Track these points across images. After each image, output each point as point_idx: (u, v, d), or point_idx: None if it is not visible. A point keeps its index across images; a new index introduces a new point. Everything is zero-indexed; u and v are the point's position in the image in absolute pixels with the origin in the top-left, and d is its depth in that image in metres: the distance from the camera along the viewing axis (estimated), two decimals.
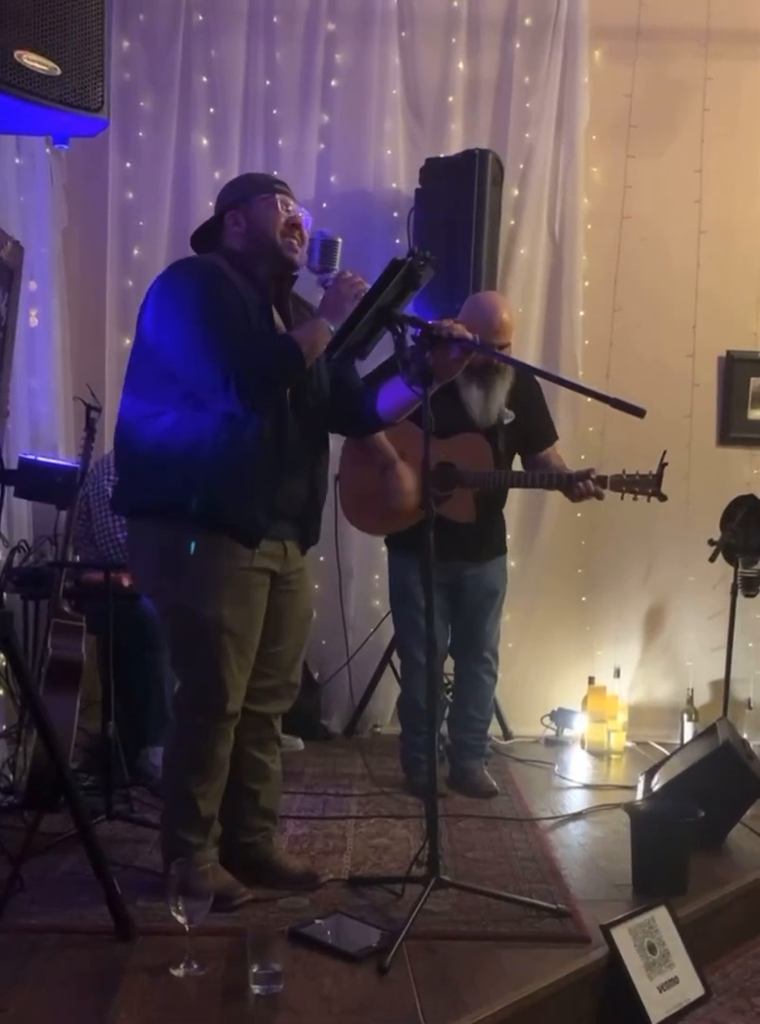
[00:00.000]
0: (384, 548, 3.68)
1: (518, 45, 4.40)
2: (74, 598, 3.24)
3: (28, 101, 2.59)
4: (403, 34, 4.39)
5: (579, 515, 4.34)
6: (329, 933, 2.28)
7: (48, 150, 3.94)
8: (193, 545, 2.35)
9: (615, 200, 4.49)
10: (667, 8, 4.45)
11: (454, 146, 4.30)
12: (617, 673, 4.31)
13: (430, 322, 2.42)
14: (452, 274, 3.85)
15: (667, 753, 3.60)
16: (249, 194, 2.50)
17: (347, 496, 3.42)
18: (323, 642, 4.33)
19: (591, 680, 4.27)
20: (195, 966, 2.10)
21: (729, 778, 2.96)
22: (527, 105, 4.41)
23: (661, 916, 2.39)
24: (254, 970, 2.02)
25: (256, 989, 2.01)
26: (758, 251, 4.53)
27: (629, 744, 4.24)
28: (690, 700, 4.16)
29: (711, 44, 4.45)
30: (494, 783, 3.53)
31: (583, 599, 4.54)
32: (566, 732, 4.31)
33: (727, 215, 4.51)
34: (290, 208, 2.49)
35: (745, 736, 3.73)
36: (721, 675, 4.01)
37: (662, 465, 3.13)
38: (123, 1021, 1.93)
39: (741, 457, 4.59)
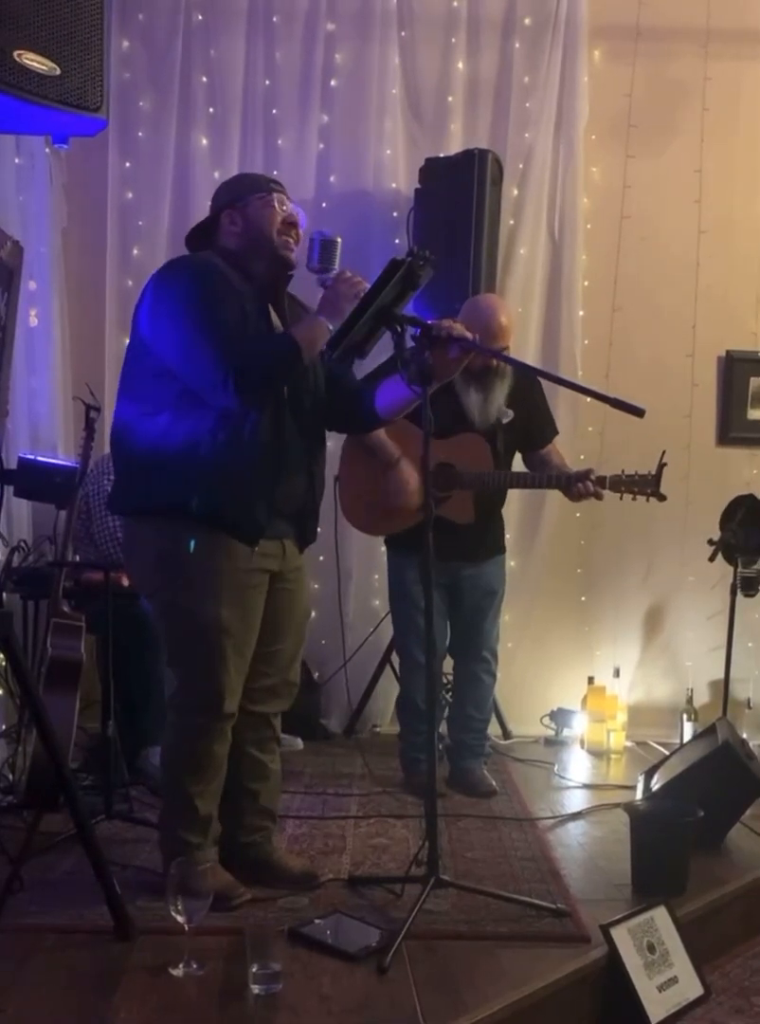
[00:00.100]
0: (384, 548, 3.68)
1: (518, 45, 4.40)
2: (74, 598, 3.24)
3: (28, 101, 2.59)
4: (403, 34, 4.39)
5: (578, 515, 4.34)
6: (328, 933, 2.28)
7: (47, 150, 3.94)
8: (192, 544, 2.35)
9: (615, 200, 4.49)
10: (667, 8, 4.45)
11: (454, 146, 4.29)
12: (616, 673, 4.31)
13: (429, 322, 2.42)
14: (451, 274, 3.85)
15: (666, 753, 3.59)
16: (245, 193, 2.50)
17: (347, 496, 3.42)
18: (323, 642, 4.33)
19: (590, 680, 4.27)
20: (194, 966, 2.10)
21: (728, 778, 2.96)
22: (527, 105, 4.41)
23: (660, 916, 2.39)
24: (253, 970, 2.02)
25: (255, 989, 2.01)
26: (758, 251, 4.53)
27: (628, 744, 4.24)
28: (689, 700, 4.16)
29: (711, 44, 4.45)
30: (493, 783, 3.53)
31: (582, 599, 4.54)
32: (565, 732, 4.31)
33: (727, 215, 4.51)
34: (286, 207, 2.49)
35: (744, 736, 3.73)
36: (720, 675, 4.01)
37: (661, 465, 3.13)
38: (122, 1021, 1.93)
39: (741, 457, 4.60)
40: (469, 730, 3.59)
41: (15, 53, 2.54)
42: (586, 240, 4.48)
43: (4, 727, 3.45)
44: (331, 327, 2.32)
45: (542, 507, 4.43)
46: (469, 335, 2.45)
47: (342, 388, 2.63)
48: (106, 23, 2.75)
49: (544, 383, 3.55)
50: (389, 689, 4.23)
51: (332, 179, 4.40)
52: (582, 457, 4.18)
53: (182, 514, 2.35)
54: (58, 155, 4.06)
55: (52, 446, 3.97)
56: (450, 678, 3.77)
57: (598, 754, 4.11)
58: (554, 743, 4.27)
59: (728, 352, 4.55)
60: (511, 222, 4.39)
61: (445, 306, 3.44)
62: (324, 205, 4.36)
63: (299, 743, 4.01)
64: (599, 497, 3.22)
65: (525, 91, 4.41)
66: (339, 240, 2.39)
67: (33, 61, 2.58)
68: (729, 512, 4.05)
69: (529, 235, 4.43)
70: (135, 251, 4.31)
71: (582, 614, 4.53)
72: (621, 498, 3.22)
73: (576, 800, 3.52)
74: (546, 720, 4.35)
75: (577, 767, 3.95)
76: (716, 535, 3.98)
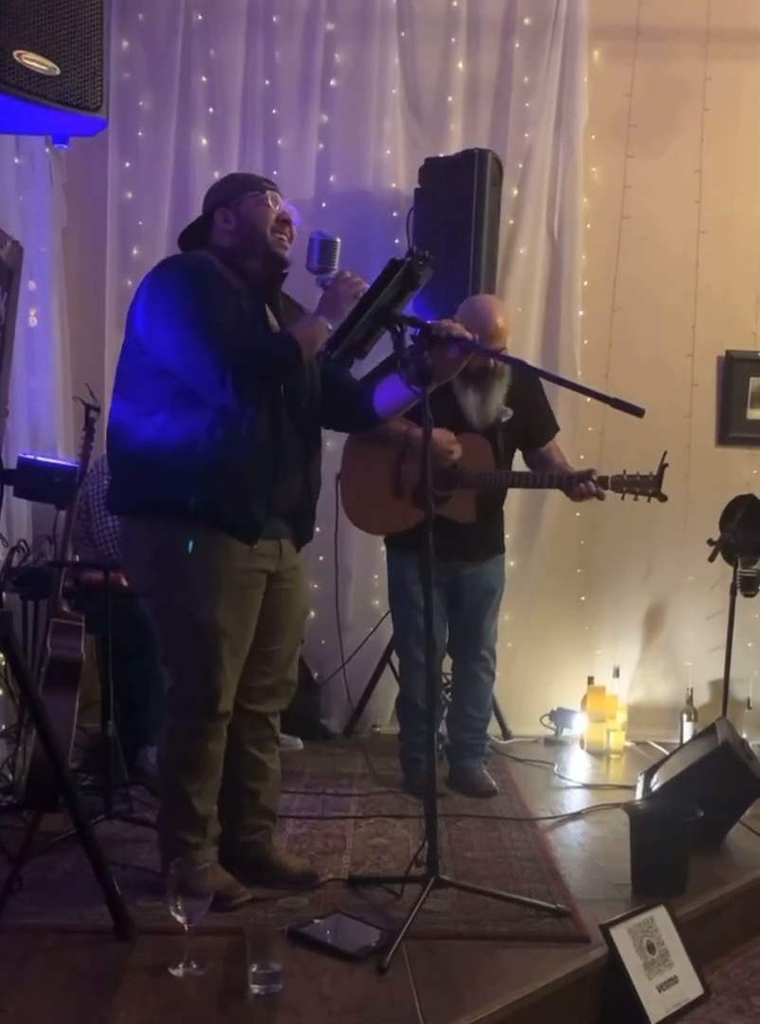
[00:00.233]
0: (383, 548, 3.68)
1: (517, 45, 4.40)
2: (73, 597, 3.24)
3: (27, 101, 2.59)
4: (402, 34, 4.39)
5: (578, 515, 4.34)
6: (328, 933, 2.28)
7: (47, 150, 3.94)
8: (190, 543, 2.35)
9: (614, 200, 4.49)
10: (667, 8, 4.45)
11: (453, 146, 4.29)
12: (616, 673, 4.31)
13: (429, 322, 2.42)
14: (451, 274, 3.84)
15: (666, 753, 3.59)
16: (238, 192, 2.50)
17: (349, 495, 3.42)
18: (322, 642, 4.33)
19: (590, 680, 4.27)
20: (194, 966, 2.10)
21: (728, 778, 2.96)
22: (526, 105, 4.40)
23: (660, 916, 2.39)
24: (253, 970, 2.02)
25: (255, 989, 2.01)
26: (758, 251, 4.53)
27: (628, 744, 4.24)
28: (689, 700, 4.16)
29: (711, 44, 4.45)
30: (493, 783, 3.53)
31: (582, 599, 4.54)
32: (565, 732, 4.31)
33: (726, 215, 4.51)
34: (279, 205, 2.50)
35: (744, 736, 3.74)
36: (720, 675, 4.01)
37: (663, 466, 3.13)
38: (122, 1021, 1.93)
39: (740, 457, 4.59)
40: (468, 729, 3.59)
41: (15, 53, 2.54)
42: (586, 240, 4.48)
43: (4, 727, 3.45)
44: (330, 327, 2.32)
45: (542, 507, 4.43)
46: (469, 335, 2.46)
47: (339, 387, 2.63)
48: (106, 23, 2.75)
49: (544, 382, 3.55)
50: (389, 689, 4.23)
51: (332, 179, 4.40)
52: (582, 457, 4.18)
53: (180, 513, 2.35)
54: (58, 155, 4.06)
55: (52, 446, 3.97)
56: (449, 678, 3.77)
57: (598, 754, 4.11)
58: (554, 743, 4.27)
59: (728, 352, 4.54)
60: (511, 222, 4.39)
61: (445, 306, 3.44)
62: (324, 205, 4.36)
63: (299, 743, 4.01)
64: (601, 497, 3.22)
65: (525, 91, 4.40)
66: (338, 240, 2.40)
67: (33, 61, 2.58)
68: (729, 512, 4.05)
69: (529, 235, 4.42)
70: (135, 251, 4.31)
71: (582, 614, 4.53)
72: (622, 498, 3.23)
73: (576, 800, 3.52)
74: (546, 720, 4.35)
75: (577, 767, 3.95)
76: (716, 535, 3.98)
